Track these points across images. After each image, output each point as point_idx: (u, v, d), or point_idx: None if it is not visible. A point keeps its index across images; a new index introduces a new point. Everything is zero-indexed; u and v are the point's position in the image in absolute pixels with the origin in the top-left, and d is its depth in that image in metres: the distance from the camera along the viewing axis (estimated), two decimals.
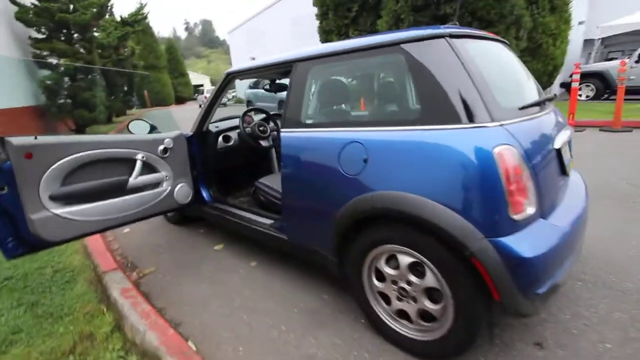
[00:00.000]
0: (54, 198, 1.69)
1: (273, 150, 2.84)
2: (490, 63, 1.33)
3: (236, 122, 2.70)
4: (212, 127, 2.51)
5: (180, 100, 28.87)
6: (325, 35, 10.30)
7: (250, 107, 2.67)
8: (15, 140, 1.55)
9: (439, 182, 1.15)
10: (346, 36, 9.67)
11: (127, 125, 2.26)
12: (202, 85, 36.75)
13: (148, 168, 2.09)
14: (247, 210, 2.22)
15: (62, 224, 1.71)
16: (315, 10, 10.95)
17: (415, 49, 1.28)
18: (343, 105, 1.67)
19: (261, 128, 2.55)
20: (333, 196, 1.47)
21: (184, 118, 12.68)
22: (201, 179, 2.48)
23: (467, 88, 1.17)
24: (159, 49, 25.49)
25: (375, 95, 1.56)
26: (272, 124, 2.71)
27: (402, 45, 1.31)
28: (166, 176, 2.17)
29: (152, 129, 2.29)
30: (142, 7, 11.74)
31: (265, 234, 1.98)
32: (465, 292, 1.16)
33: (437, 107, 1.21)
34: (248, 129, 2.51)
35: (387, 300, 1.43)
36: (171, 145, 2.17)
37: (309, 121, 1.64)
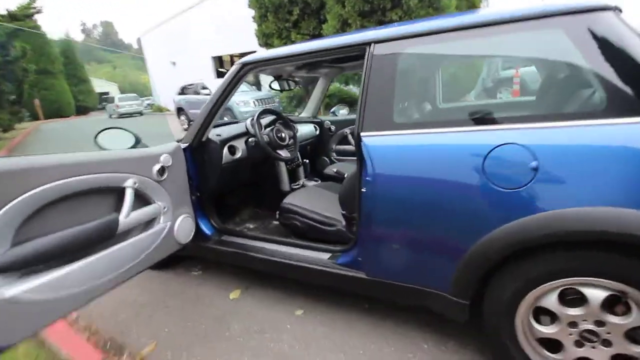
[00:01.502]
0: (1, 270, 0.96)
1: (282, 163, 2.31)
2: None
3: (238, 128, 2.11)
4: (213, 136, 1.90)
5: (82, 111, 24.84)
6: (265, 38, 9.79)
7: (264, 108, 2.11)
8: None
9: None
10: (288, 39, 9.31)
11: (95, 138, 1.53)
12: (108, 93, 32.23)
13: (140, 198, 1.43)
14: (286, 243, 1.69)
15: (18, 314, 0.99)
16: (248, 12, 10.37)
17: (580, 23, 1.00)
18: (470, 97, 1.31)
19: (280, 134, 2.02)
20: (469, 219, 1.09)
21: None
22: (199, 206, 1.85)
23: None
24: (52, 52, 21.60)
25: (526, 82, 1.23)
26: (286, 128, 2.19)
27: (561, 18, 1.01)
28: (164, 208, 1.53)
29: (137, 141, 1.60)
30: None
31: (326, 272, 1.49)
32: None
33: (631, 95, 0.93)
34: (265, 137, 1.96)
35: (553, 347, 1.10)
36: (169, 164, 1.54)
37: (409, 120, 1.24)
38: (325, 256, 1.55)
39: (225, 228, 1.94)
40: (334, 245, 1.57)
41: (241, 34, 14.15)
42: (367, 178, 1.25)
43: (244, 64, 1.66)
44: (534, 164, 0.98)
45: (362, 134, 1.28)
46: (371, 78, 1.29)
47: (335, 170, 2.28)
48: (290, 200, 1.83)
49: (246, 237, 1.84)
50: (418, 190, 1.16)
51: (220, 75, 17.34)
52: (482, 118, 1.10)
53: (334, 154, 2.89)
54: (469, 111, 1.11)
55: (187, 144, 1.76)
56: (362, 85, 1.30)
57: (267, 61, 1.63)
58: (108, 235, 1.25)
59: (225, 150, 1.91)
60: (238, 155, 1.98)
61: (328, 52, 1.45)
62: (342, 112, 2.99)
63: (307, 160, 2.42)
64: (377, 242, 1.31)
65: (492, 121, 1.08)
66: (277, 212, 1.88)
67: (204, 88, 9.60)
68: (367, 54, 1.31)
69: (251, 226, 2.19)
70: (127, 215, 1.32)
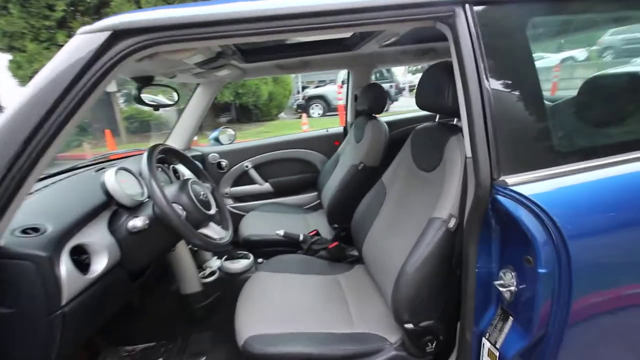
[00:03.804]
0: None
1: (183, 244, 1.20)
2: None
3: (79, 194, 0.88)
4: (16, 235, 0.66)
5: None
6: (9, 39, 6.63)
7: (155, 146, 0.88)
8: None
9: None
10: (53, 43, 6.66)
11: None
12: None
13: None
14: None
15: None
16: None
17: None
18: None
19: (201, 196, 0.94)
20: None
21: None
22: None
23: None
24: None
25: None
26: (203, 180, 1.09)
27: None
28: None
29: None
30: None
31: None
32: None
33: None
34: (179, 209, 0.85)
35: None
36: None
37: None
38: None
39: None
40: None
41: None
42: (540, 269, 0.60)
43: (117, 33, 0.62)
44: None
45: (508, 179, 0.62)
46: (488, 72, 0.65)
47: (281, 233, 1.39)
48: (277, 349, 0.86)
49: None
50: None
51: None
52: None
53: (231, 201, 1.93)
54: None
55: None
56: (476, 85, 0.64)
57: (179, 27, 0.66)
58: None
59: (66, 264, 0.71)
60: (100, 268, 0.79)
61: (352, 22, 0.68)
62: (226, 138, 2.04)
63: None
64: None
65: None
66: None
67: None
68: (457, 24, 0.66)
69: None
70: None
